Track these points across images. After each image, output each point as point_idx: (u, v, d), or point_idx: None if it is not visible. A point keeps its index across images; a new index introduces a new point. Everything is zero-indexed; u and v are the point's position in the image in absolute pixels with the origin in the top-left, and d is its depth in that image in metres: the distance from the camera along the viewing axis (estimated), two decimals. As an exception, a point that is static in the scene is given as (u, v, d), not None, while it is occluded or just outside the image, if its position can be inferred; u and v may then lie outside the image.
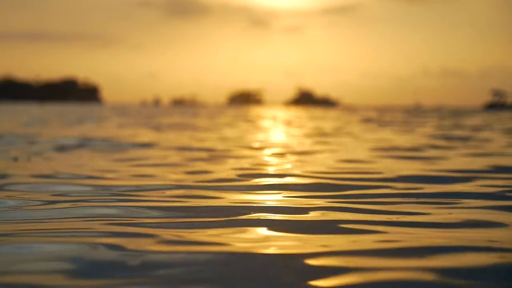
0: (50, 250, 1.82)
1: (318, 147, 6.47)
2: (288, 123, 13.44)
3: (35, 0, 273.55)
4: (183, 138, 8.17)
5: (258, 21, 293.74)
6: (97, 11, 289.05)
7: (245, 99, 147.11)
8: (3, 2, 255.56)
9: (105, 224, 2.22)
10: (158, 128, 11.73)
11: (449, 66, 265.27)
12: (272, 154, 5.60)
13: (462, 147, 6.77)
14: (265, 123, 15.57)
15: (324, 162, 4.72)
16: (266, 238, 2.00)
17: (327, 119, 20.20)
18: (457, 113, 37.34)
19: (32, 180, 3.52)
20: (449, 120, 20.40)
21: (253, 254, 1.78)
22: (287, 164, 4.55)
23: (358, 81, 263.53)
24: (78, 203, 2.68)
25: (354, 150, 6.14)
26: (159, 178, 3.69)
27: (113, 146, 6.58)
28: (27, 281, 1.52)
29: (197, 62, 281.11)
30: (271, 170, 4.16)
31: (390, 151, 6.13)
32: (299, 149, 6.20)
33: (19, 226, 2.17)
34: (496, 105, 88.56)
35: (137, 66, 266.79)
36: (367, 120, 18.02)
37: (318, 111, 42.85)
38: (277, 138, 8.60)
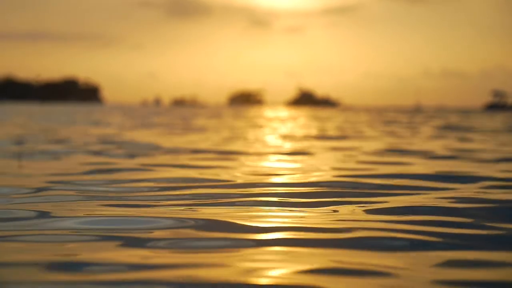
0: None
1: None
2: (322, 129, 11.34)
3: (36, 0, 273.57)
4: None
5: (259, 21, 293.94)
6: (98, 11, 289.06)
7: (245, 99, 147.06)
8: (4, 2, 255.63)
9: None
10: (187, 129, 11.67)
11: (450, 66, 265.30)
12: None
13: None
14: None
15: None
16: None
17: (353, 121, 20.04)
18: (461, 113, 37.33)
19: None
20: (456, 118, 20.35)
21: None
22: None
23: (358, 82, 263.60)
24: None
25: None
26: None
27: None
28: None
29: (198, 62, 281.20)
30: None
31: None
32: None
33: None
34: (496, 106, 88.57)
35: (138, 66, 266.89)
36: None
37: (327, 112, 42.78)
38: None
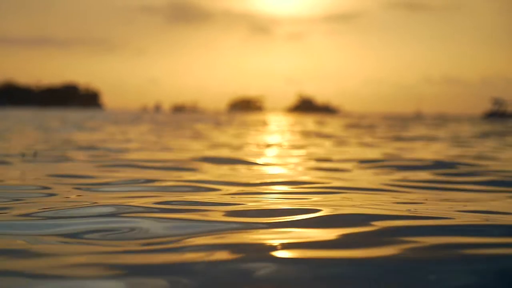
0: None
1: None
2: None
3: (37, 5, 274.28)
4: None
5: (260, 27, 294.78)
6: (99, 16, 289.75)
7: (245, 105, 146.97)
8: (4, 7, 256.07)
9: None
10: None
11: (451, 74, 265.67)
12: None
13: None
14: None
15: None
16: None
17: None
18: (465, 120, 37.37)
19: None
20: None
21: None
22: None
23: (359, 88, 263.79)
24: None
25: None
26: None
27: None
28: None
29: (199, 68, 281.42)
30: None
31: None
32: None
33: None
34: (496, 114, 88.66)
35: (139, 71, 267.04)
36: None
37: (332, 119, 42.84)
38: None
